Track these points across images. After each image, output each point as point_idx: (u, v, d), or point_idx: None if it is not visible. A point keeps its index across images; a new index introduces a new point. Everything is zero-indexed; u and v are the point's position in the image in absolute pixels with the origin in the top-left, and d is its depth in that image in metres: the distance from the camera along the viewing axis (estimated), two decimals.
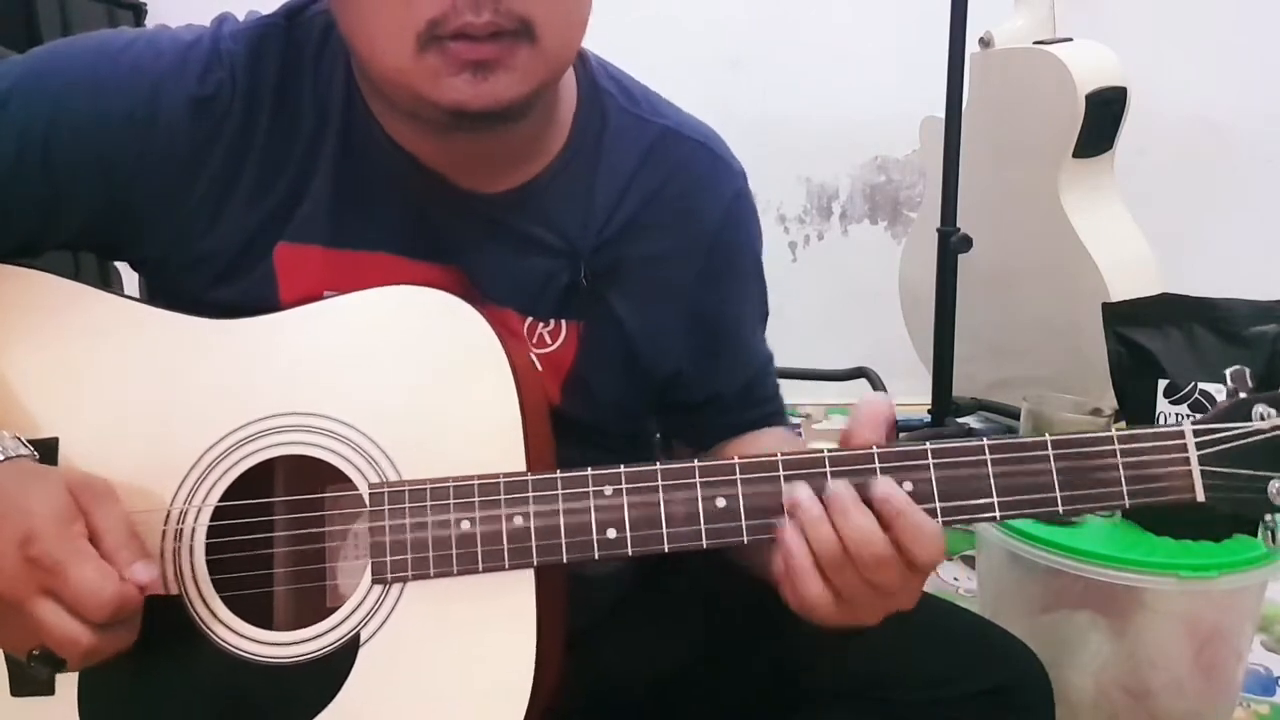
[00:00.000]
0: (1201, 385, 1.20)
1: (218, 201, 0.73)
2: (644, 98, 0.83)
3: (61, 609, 0.61)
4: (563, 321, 0.79)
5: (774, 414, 0.90)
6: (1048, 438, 0.65)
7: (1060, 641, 1.21)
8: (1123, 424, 1.27)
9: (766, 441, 0.86)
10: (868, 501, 0.63)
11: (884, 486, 0.63)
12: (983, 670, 0.82)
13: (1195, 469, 0.64)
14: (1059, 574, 1.17)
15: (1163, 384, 1.22)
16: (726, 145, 0.86)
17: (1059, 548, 1.16)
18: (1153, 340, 1.25)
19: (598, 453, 0.82)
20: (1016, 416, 1.45)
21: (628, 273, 0.80)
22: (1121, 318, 1.28)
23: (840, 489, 0.63)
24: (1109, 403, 1.26)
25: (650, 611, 0.88)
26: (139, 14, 2.22)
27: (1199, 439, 0.64)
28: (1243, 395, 0.66)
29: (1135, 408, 1.26)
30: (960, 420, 2.08)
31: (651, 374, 0.83)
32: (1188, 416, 1.21)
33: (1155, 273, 1.99)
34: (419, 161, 0.75)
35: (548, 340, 0.79)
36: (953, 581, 1.74)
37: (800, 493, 0.64)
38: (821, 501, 0.63)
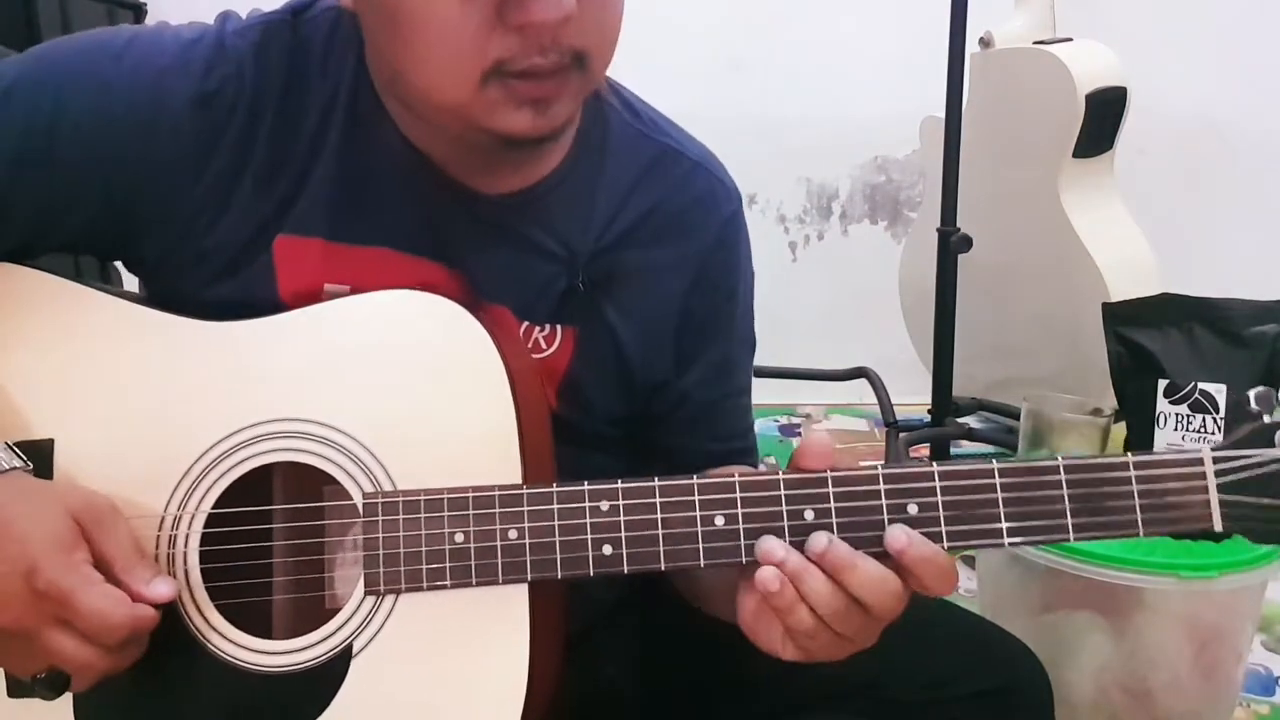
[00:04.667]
0: (1201, 385, 1.21)
1: (223, 197, 0.73)
2: (646, 114, 0.84)
3: (75, 637, 0.61)
4: (558, 326, 0.79)
5: (744, 452, 0.89)
6: (1060, 460, 0.63)
7: (1060, 641, 1.21)
8: (1123, 424, 1.27)
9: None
10: (892, 554, 0.62)
11: (900, 539, 0.62)
12: (983, 670, 0.82)
13: (1214, 498, 0.62)
14: (1059, 574, 1.17)
15: (1163, 384, 1.23)
16: (725, 169, 0.87)
17: (1059, 548, 1.16)
18: (1153, 340, 1.25)
19: (596, 456, 0.83)
20: (1016, 416, 1.46)
21: (622, 282, 0.80)
22: (1121, 318, 1.29)
23: (825, 545, 0.62)
24: (1109, 403, 1.27)
25: (645, 614, 0.88)
26: (139, 14, 2.22)
27: (1218, 465, 0.62)
28: (1266, 420, 0.64)
29: (1135, 408, 1.26)
30: (960, 420, 2.07)
31: (641, 383, 0.83)
32: (1188, 417, 1.21)
33: (1155, 273, 1.99)
34: (427, 159, 0.75)
35: (543, 345, 0.79)
36: None
37: (778, 552, 0.63)
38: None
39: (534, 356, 0.79)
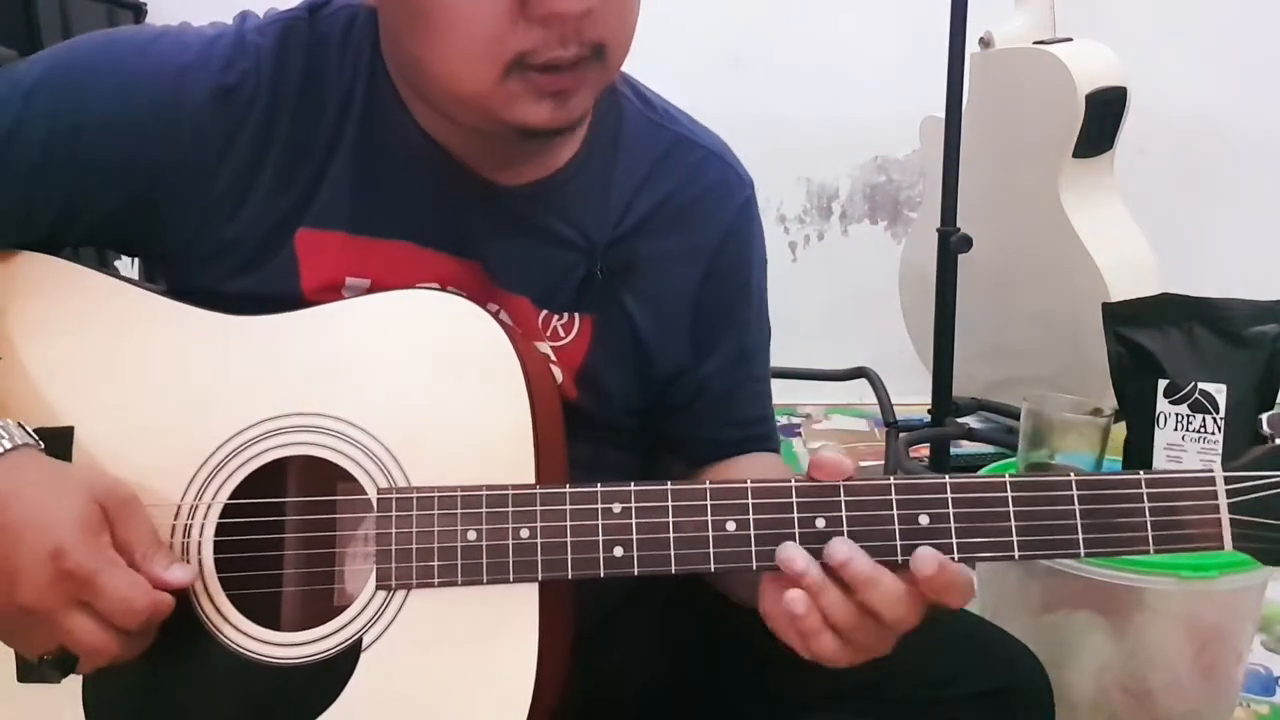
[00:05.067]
0: (1201, 385, 1.21)
1: (242, 191, 0.73)
2: (660, 105, 0.85)
3: (93, 620, 0.62)
4: (576, 315, 0.80)
5: (762, 439, 0.90)
6: (1073, 477, 0.64)
7: (1060, 641, 1.21)
8: (1123, 424, 1.27)
9: (757, 466, 0.87)
10: (921, 576, 0.62)
11: (930, 563, 0.62)
12: (983, 671, 0.82)
13: (1225, 517, 0.62)
14: (1059, 574, 1.17)
15: (1163, 384, 1.23)
16: (737, 158, 0.88)
17: None
18: (1153, 340, 1.25)
19: (611, 451, 0.84)
20: (1016, 416, 1.46)
21: (639, 270, 0.81)
22: (1121, 318, 1.28)
23: (845, 556, 0.62)
24: (1109, 403, 1.26)
25: (651, 613, 0.88)
26: (139, 14, 2.22)
27: (1230, 486, 0.63)
28: (1278, 442, 0.64)
29: (1135, 408, 1.26)
30: (960, 420, 2.07)
31: (658, 372, 0.84)
32: (1188, 417, 1.21)
33: (1155, 273, 1.98)
34: (445, 152, 0.76)
35: (561, 333, 0.80)
36: None
37: (799, 561, 0.63)
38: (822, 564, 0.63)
39: (552, 345, 0.80)
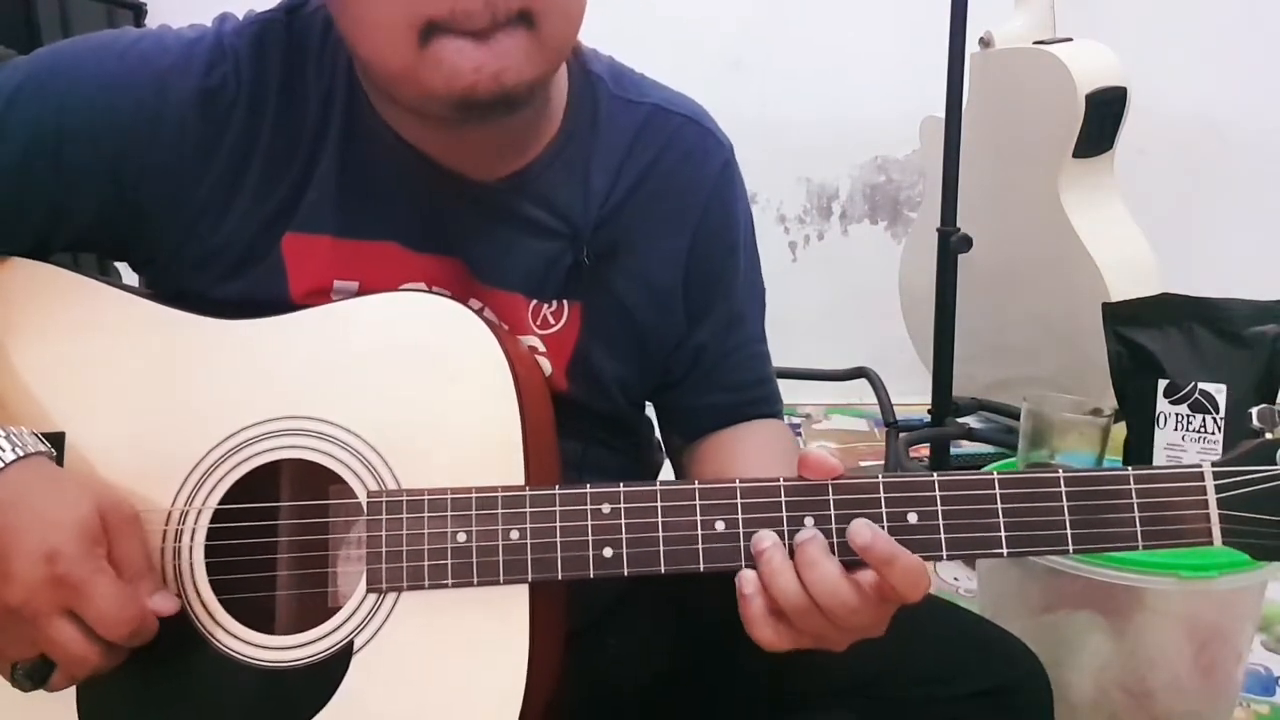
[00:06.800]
0: (1201, 385, 1.21)
1: (226, 195, 0.73)
2: (631, 81, 0.85)
3: (78, 628, 0.62)
4: (565, 301, 0.80)
5: (763, 400, 0.91)
6: (1060, 474, 0.64)
7: (1060, 641, 1.21)
8: (1123, 424, 1.27)
9: (759, 438, 0.87)
10: (855, 550, 0.63)
11: (863, 533, 0.63)
12: (982, 670, 0.82)
13: (1214, 512, 0.62)
14: (1059, 574, 1.17)
15: (1163, 384, 1.23)
16: (712, 118, 0.88)
17: None
18: (1153, 340, 1.25)
19: (600, 450, 0.83)
20: (1016, 416, 1.46)
21: (627, 248, 0.81)
22: (1121, 318, 1.29)
23: (807, 538, 0.63)
24: (1109, 403, 1.26)
25: (648, 610, 0.88)
26: (139, 14, 2.22)
27: (1219, 481, 0.63)
28: (1268, 436, 0.64)
29: (1135, 408, 1.26)
30: (960, 420, 2.07)
31: (654, 349, 0.84)
32: (1188, 417, 1.21)
33: (1155, 273, 1.99)
34: (421, 153, 0.76)
35: (551, 321, 0.80)
36: (953, 581, 1.74)
37: (765, 542, 0.64)
38: (790, 549, 0.64)
39: (542, 333, 0.80)
